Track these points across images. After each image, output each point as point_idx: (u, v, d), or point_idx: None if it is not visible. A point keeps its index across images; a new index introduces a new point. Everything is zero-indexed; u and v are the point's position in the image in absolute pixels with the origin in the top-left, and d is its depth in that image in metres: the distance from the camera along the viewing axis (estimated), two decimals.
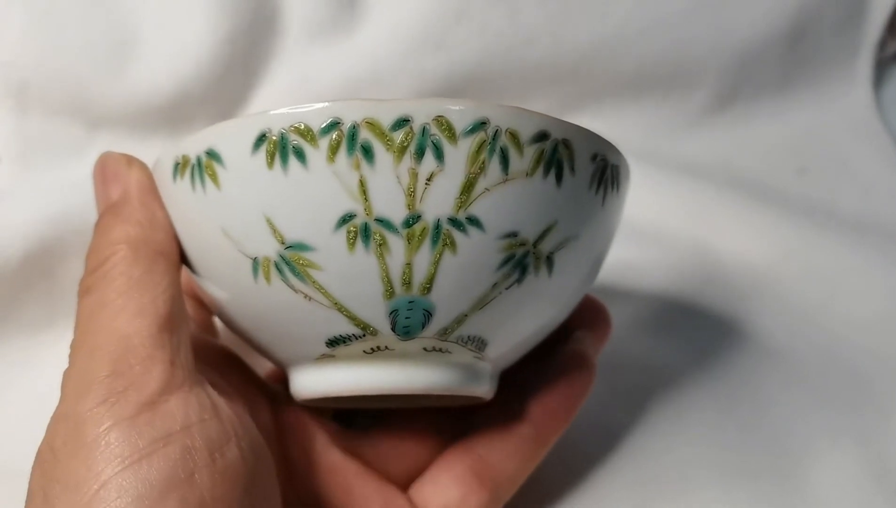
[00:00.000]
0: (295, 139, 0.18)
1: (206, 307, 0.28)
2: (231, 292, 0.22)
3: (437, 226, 0.19)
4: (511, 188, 0.19)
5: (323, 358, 0.22)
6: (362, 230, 0.19)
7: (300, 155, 0.18)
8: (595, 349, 0.27)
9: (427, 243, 0.19)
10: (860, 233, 0.39)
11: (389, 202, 0.19)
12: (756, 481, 0.30)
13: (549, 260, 0.21)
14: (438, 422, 0.27)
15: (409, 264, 0.19)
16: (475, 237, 0.19)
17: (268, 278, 0.20)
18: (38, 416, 0.20)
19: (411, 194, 0.19)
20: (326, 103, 0.18)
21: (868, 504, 0.29)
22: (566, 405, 0.26)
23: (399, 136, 0.18)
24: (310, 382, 0.22)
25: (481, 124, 0.18)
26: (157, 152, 0.23)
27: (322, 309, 0.20)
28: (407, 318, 0.20)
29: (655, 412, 0.32)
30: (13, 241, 0.32)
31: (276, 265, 0.20)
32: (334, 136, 0.18)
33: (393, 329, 0.20)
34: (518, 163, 0.19)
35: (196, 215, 0.21)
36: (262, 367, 0.29)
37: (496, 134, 0.19)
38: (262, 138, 0.19)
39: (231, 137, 0.19)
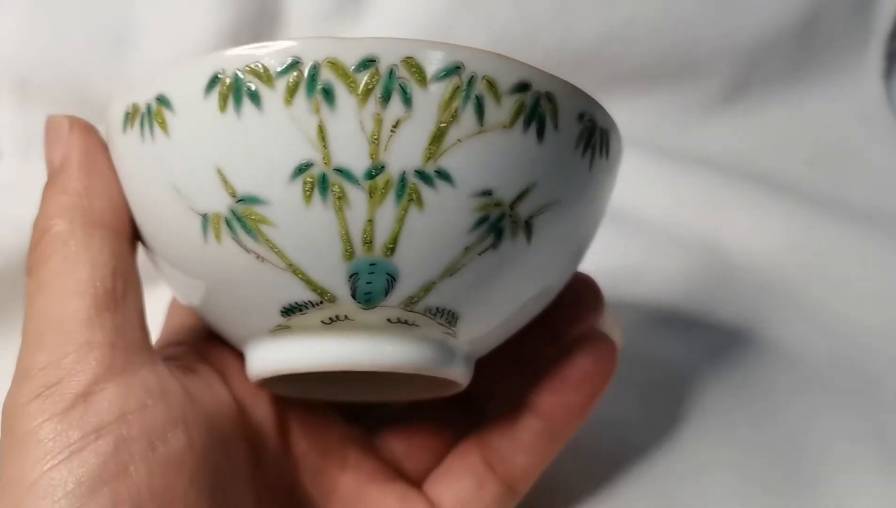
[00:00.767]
0: (250, 81, 0.17)
1: None
2: (181, 259, 0.20)
3: (403, 179, 0.17)
4: (486, 141, 0.17)
5: (279, 330, 0.20)
6: (320, 181, 0.17)
7: (255, 98, 0.17)
8: (618, 332, 0.26)
9: (391, 197, 0.17)
10: (871, 223, 0.39)
11: (351, 151, 0.17)
12: (771, 481, 0.29)
13: (528, 225, 0.19)
14: (450, 417, 0.26)
15: (370, 221, 0.17)
16: (445, 193, 0.17)
17: (218, 237, 0.18)
18: None
19: (375, 141, 0.17)
20: (286, 42, 0.17)
21: (882, 498, 0.29)
22: (582, 396, 0.24)
23: (364, 77, 0.16)
24: (263, 358, 0.20)
25: (455, 69, 0.17)
26: None
27: (276, 272, 0.18)
28: (368, 283, 0.18)
29: (668, 409, 0.32)
30: (15, 234, 0.32)
31: (227, 221, 0.18)
32: (293, 76, 0.16)
33: (353, 296, 0.18)
34: (495, 113, 0.17)
35: (144, 169, 0.19)
36: None
37: (471, 81, 0.17)
38: (214, 80, 0.17)
39: (181, 80, 0.17)
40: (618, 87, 0.42)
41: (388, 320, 0.19)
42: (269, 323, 0.20)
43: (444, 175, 0.17)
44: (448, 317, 0.20)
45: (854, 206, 0.40)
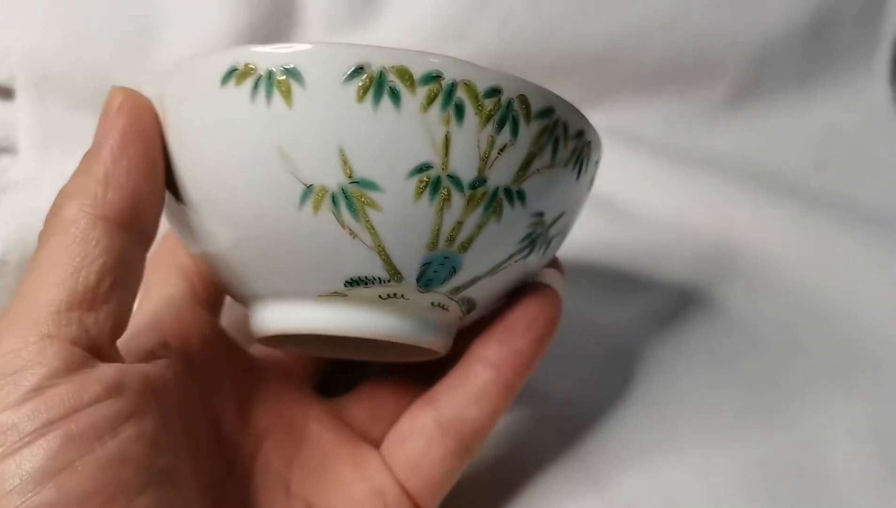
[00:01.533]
0: (393, 80, 0.19)
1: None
2: (252, 217, 0.20)
3: (496, 193, 0.20)
4: (553, 174, 0.21)
5: (332, 296, 0.22)
6: (434, 183, 0.19)
7: (395, 97, 0.19)
8: (560, 284, 0.26)
9: (482, 206, 0.20)
10: (879, 226, 0.39)
11: (465, 163, 0.19)
12: (775, 473, 0.30)
13: (549, 242, 0.23)
14: (413, 381, 0.27)
15: (460, 223, 0.20)
16: (518, 210, 0.21)
17: (316, 208, 0.20)
18: None
19: (485, 159, 0.20)
20: (431, 55, 0.19)
21: (886, 497, 0.29)
22: (528, 343, 0.24)
23: (489, 104, 0.19)
24: (306, 317, 0.22)
25: (550, 112, 0.20)
26: None
27: (362, 249, 0.20)
28: (435, 272, 0.21)
29: (670, 401, 0.32)
30: (34, 231, 0.31)
31: (333, 197, 0.19)
32: (433, 87, 0.19)
33: (418, 280, 0.21)
34: (562, 153, 0.21)
35: (243, 126, 0.19)
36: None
37: (556, 123, 0.20)
38: (358, 70, 0.19)
39: (322, 61, 0.19)
40: (630, 88, 0.42)
41: (432, 303, 0.22)
42: (326, 289, 0.21)
43: (521, 196, 0.21)
44: (469, 305, 0.23)
45: (862, 207, 0.40)
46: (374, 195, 0.19)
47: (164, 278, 0.26)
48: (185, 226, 0.23)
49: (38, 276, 0.19)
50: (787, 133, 0.44)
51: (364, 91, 0.19)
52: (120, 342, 0.20)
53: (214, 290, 0.28)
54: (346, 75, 0.19)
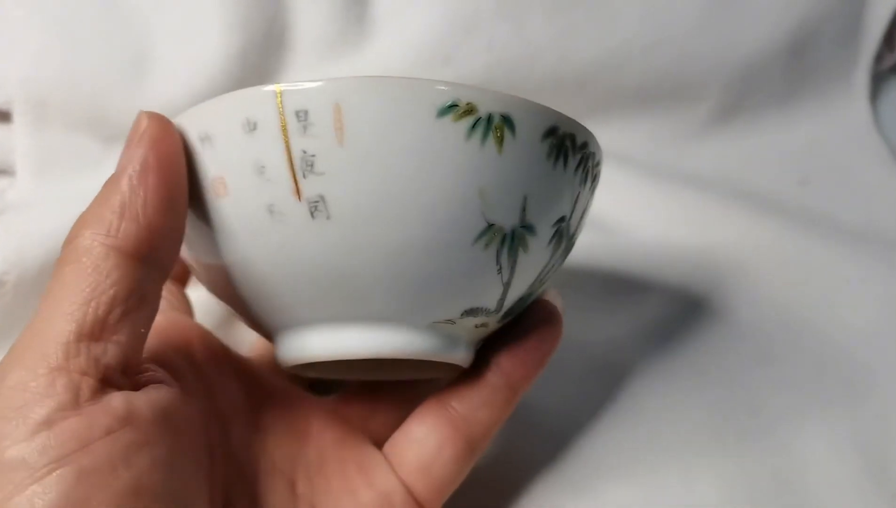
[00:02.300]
0: (568, 144, 0.21)
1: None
2: (417, 243, 0.21)
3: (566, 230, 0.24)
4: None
5: (446, 323, 0.23)
6: (562, 231, 0.23)
7: (566, 158, 0.21)
8: (560, 302, 0.28)
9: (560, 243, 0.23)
10: (860, 242, 0.39)
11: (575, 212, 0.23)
12: (753, 480, 0.30)
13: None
14: (406, 381, 0.28)
15: (553, 263, 0.24)
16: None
17: (487, 245, 0.21)
18: None
19: (575, 204, 0.23)
20: (581, 126, 0.21)
21: (865, 506, 0.30)
22: (536, 354, 0.26)
23: (592, 165, 0.23)
24: (366, 340, 0.22)
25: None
26: None
27: (497, 283, 0.22)
28: (518, 304, 0.24)
29: (655, 413, 0.32)
30: (31, 252, 0.32)
31: (504, 237, 0.21)
32: (584, 154, 0.22)
33: (506, 312, 0.24)
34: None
35: (452, 162, 0.20)
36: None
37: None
38: (553, 131, 0.21)
39: (531, 116, 0.20)
40: (614, 108, 0.43)
41: (476, 325, 0.24)
42: (442, 317, 0.22)
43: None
44: (505, 319, 0.25)
45: (844, 224, 0.41)
46: (529, 238, 0.21)
47: None
48: (220, 253, 0.22)
49: (48, 306, 0.19)
50: (769, 151, 0.44)
51: (553, 150, 0.21)
52: None
53: (187, 307, 0.29)
54: (543, 133, 0.20)
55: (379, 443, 0.27)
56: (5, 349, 0.19)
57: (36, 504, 0.16)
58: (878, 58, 0.47)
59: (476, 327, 0.24)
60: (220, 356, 0.26)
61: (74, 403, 0.18)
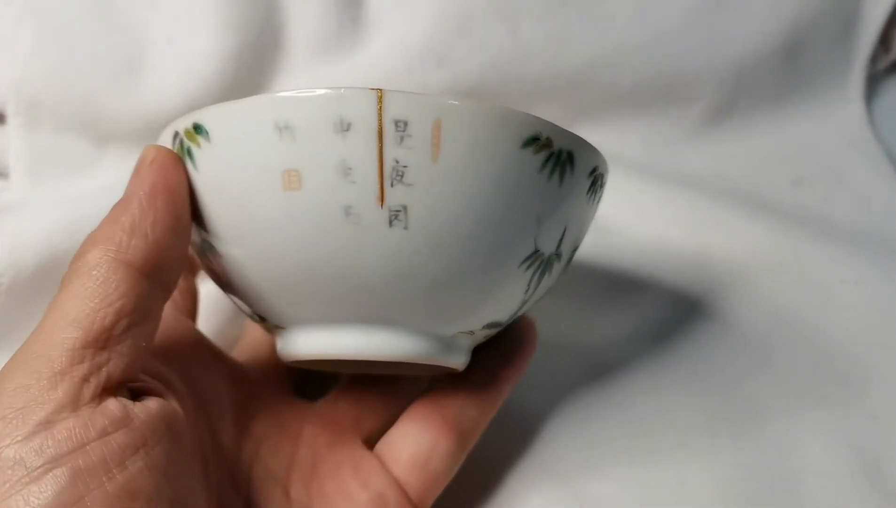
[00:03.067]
0: (595, 179, 0.23)
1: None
2: (469, 262, 0.22)
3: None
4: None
5: (469, 333, 0.25)
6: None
7: (594, 193, 0.24)
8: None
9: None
10: (853, 243, 0.39)
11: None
12: (748, 482, 0.30)
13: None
14: (392, 381, 0.29)
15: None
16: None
17: (527, 268, 0.23)
18: None
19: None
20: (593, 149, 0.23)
21: (859, 504, 0.30)
22: (518, 358, 0.28)
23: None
24: (368, 342, 0.23)
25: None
26: None
27: (521, 299, 0.24)
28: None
29: (650, 414, 0.32)
30: (25, 253, 0.32)
31: (541, 261, 0.23)
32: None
33: (510, 322, 0.26)
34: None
35: (526, 191, 0.21)
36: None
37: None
38: (594, 170, 0.23)
39: (585, 156, 0.22)
40: (608, 109, 0.43)
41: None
42: (466, 328, 0.24)
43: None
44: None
45: (837, 225, 0.41)
46: (555, 264, 0.24)
47: None
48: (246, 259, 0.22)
49: (56, 314, 0.19)
50: (762, 152, 0.44)
51: (592, 187, 0.23)
52: None
53: (191, 297, 0.29)
54: (589, 172, 0.22)
55: (369, 444, 0.28)
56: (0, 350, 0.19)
57: (31, 504, 0.17)
58: (873, 58, 0.47)
59: (484, 336, 0.25)
60: (210, 362, 0.26)
61: (73, 406, 0.18)
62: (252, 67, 0.39)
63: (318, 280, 0.21)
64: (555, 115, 0.42)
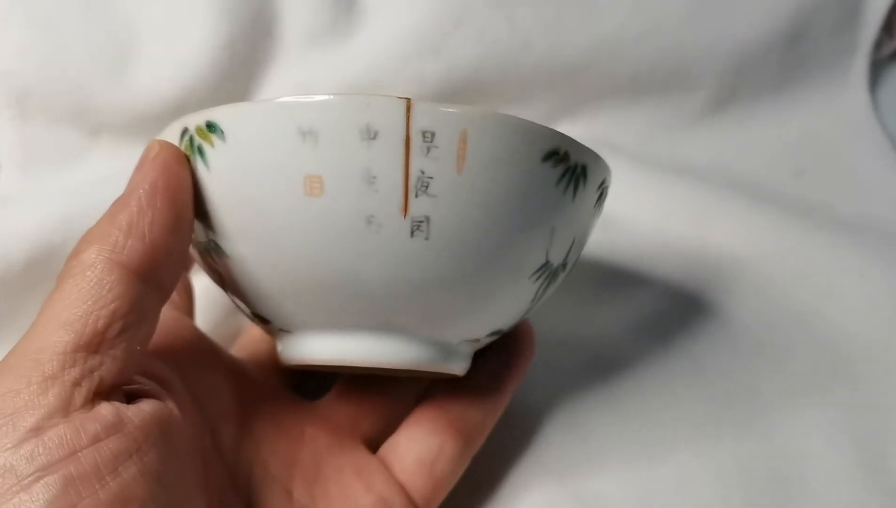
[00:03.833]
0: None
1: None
2: (483, 270, 0.22)
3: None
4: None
5: (475, 341, 0.25)
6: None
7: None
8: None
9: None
10: (857, 234, 0.39)
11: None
12: (750, 476, 0.30)
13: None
14: (391, 383, 0.29)
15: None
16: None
17: (537, 279, 0.23)
18: None
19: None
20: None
21: (863, 503, 0.29)
22: (521, 360, 0.29)
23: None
24: (371, 348, 0.23)
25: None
26: None
27: (528, 306, 0.25)
28: None
29: (650, 409, 0.32)
30: (16, 246, 0.32)
31: (549, 271, 0.23)
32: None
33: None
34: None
35: (543, 204, 0.21)
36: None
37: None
38: (602, 184, 0.23)
39: (596, 169, 0.22)
40: (607, 98, 0.42)
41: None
42: (470, 336, 0.24)
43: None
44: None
45: (840, 215, 0.40)
46: (560, 274, 0.24)
47: None
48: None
49: (47, 316, 0.19)
50: (764, 141, 0.43)
51: (598, 199, 0.23)
52: None
53: (187, 293, 0.28)
54: (598, 185, 0.23)
55: (369, 445, 0.27)
56: None
57: None
58: (877, 45, 0.46)
59: (486, 342, 0.25)
60: (210, 360, 0.26)
61: (64, 411, 0.18)
62: (246, 57, 0.38)
63: (332, 287, 0.21)
64: (553, 104, 0.41)
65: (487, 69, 0.40)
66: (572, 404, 0.32)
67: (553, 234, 0.22)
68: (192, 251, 0.24)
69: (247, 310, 0.24)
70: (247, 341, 0.31)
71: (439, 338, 0.23)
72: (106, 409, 0.18)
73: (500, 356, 0.28)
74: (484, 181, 0.20)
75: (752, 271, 0.37)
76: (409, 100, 0.19)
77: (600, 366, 0.34)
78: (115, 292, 0.19)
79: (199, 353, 0.25)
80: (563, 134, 0.21)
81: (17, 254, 0.32)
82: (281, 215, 0.20)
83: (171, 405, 0.21)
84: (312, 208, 0.20)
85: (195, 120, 0.21)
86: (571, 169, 0.21)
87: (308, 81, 0.39)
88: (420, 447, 0.26)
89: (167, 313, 0.26)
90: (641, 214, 0.39)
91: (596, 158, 0.22)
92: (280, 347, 0.25)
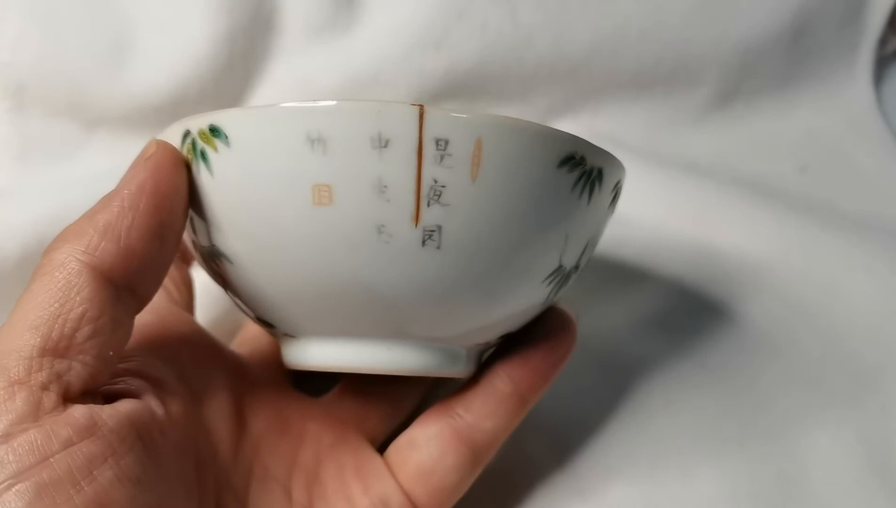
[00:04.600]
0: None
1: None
2: (497, 275, 0.22)
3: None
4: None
5: (488, 345, 0.25)
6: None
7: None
8: (573, 310, 0.27)
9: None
10: (861, 230, 0.39)
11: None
12: (756, 475, 0.30)
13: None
14: (396, 381, 0.28)
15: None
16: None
17: (550, 283, 0.23)
18: None
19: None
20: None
21: (869, 502, 0.29)
22: (548, 363, 0.26)
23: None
24: (380, 355, 0.23)
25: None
26: None
27: (539, 311, 0.25)
28: None
29: (655, 407, 0.32)
30: (12, 239, 0.32)
31: (561, 275, 0.23)
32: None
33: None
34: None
35: (558, 210, 0.21)
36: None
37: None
38: (616, 185, 0.23)
39: (612, 172, 0.22)
40: (611, 93, 0.42)
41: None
42: (483, 340, 0.24)
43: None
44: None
45: (844, 211, 0.40)
46: (573, 275, 0.23)
47: None
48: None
49: (15, 317, 0.18)
50: (768, 137, 0.43)
51: (612, 200, 0.23)
52: None
53: (186, 287, 0.28)
54: (613, 186, 0.22)
55: (374, 442, 0.27)
56: None
57: None
58: (882, 41, 0.46)
59: (495, 344, 0.25)
60: (209, 357, 0.25)
61: (33, 416, 0.17)
62: (245, 50, 0.38)
63: (340, 296, 0.21)
64: (555, 100, 0.41)
65: (489, 64, 0.39)
66: (574, 403, 0.32)
67: (567, 239, 0.22)
68: (195, 254, 0.24)
69: (250, 313, 0.24)
70: (248, 336, 0.30)
71: (448, 344, 0.23)
72: (79, 412, 0.18)
73: (525, 357, 0.26)
74: (498, 189, 0.19)
75: (755, 268, 0.37)
76: (422, 107, 0.19)
77: (603, 365, 0.33)
78: (83, 294, 0.18)
79: (197, 349, 0.25)
80: (579, 138, 0.20)
81: (11, 248, 0.32)
82: (288, 225, 0.20)
83: (153, 404, 0.20)
84: (321, 217, 0.19)
85: (198, 123, 0.20)
86: (587, 173, 0.21)
87: (308, 75, 0.38)
88: (420, 452, 0.25)
89: (165, 307, 0.25)
90: (644, 210, 0.39)
91: (612, 160, 0.22)
92: (284, 350, 0.24)
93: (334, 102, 0.19)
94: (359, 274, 0.20)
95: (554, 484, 0.30)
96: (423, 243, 0.20)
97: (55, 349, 0.18)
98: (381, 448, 0.27)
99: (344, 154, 0.19)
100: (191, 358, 0.24)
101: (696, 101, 0.43)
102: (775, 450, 0.31)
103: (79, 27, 0.36)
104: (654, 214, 0.39)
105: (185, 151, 0.21)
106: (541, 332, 0.26)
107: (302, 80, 0.38)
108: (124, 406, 0.19)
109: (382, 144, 0.19)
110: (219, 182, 0.20)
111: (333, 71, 0.38)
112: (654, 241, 0.38)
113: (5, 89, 0.34)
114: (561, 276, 0.23)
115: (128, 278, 0.19)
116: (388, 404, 0.28)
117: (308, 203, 0.19)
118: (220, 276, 0.23)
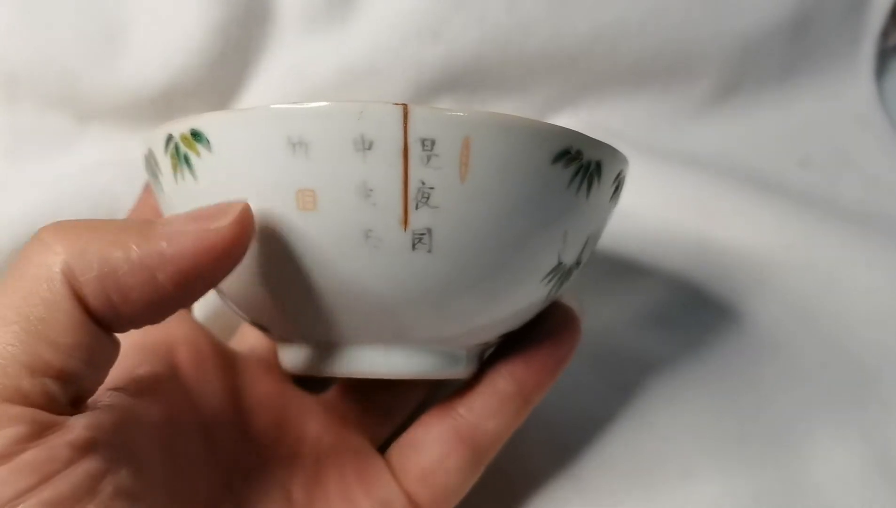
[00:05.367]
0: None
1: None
2: (494, 276, 0.21)
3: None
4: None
5: (487, 345, 0.25)
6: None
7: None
8: (577, 305, 0.27)
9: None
10: (863, 224, 0.39)
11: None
12: (757, 474, 0.30)
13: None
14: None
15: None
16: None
17: (549, 282, 0.22)
18: None
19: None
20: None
21: (872, 499, 0.29)
22: (551, 361, 0.25)
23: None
24: (390, 360, 0.22)
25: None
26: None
27: (538, 309, 0.24)
28: None
29: (655, 405, 0.32)
30: (3, 233, 0.32)
31: (561, 272, 0.22)
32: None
33: None
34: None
35: (555, 206, 0.20)
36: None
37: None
38: (617, 176, 0.22)
39: (611, 164, 0.21)
40: (610, 86, 0.42)
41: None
42: (480, 341, 0.24)
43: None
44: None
45: (845, 205, 0.40)
46: (574, 272, 0.23)
47: None
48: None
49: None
50: (769, 130, 0.43)
51: (614, 193, 0.22)
52: None
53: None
54: (614, 178, 0.22)
55: (376, 439, 0.27)
56: None
57: None
58: (884, 34, 0.46)
59: (496, 344, 0.25)
60: (207, 358, 0.25)
61: (30, 435, 0.17)
62: (240, 42, 0.37)
63: (332, 302, 0.21)
64: (554, 92, 0.41)
65: (487, 55, 0.39)
66: (574, 401, 0.32)
67: (566, 236, 0.21)
68: None
69: (245, 317, 0.24)
70: (246, 333, 0.30)
71: (447, 346, 0.23)
72: (76, 427, 0.17)
73: (528, 355, 0.25)
74: (489, 189, 0.19)
75: (755, 263, 0.37)
76: (405, 106, 0.18)
77: (603, 360, 0.33)
78: (62, 324, 0.17)
79: (194, 345, 0.24)
80: (574, 132, 0.20)
81: (3, 242, 0.32)
82: (273, 231, 0.19)
83: (149, 408, 0.20)
84: (306, 223, 0.19)
85: (179, 128, 0.20)
86: (584, 167, 0.20)
87: (304, 66, 0.38)
88: (421, 453, 0.25)
89: None
90: (644, 203, 0.39)
91: (611, 151, 0.21)
92: (280, 354, 0.24)
93: (314, 104, 0.18)
94: (349, 280, 0.20)
95: (553, 483, 0.29)
96: (414, 246, 0.19)
97: (45, 370, 0.17)
98: (382, 448, 0.27)
99: (326, 158, 0.18)
100: (188, 357, 0.24)
101: (697, 93, 0.43)
102: (777, 449, 0.30)
103: (71, 18, 0.35)
104: (654, 206, 0.39)
105: (168, 156, 0.20)
106: (543, 328, 0.25)
107: (297, 71, 0.38)
108: (119, 417, 0.19)
109: (366, 145, 0.18)
110: (202, 187, 0.20)
111: (329, 62, 0.38)
112: (653, 234, 0.38)
113: None
114: (561, 273, 0.22)
115: (120, 321, 0.18)
116: (389, 402, 0.28)
117: (293, 208, 0.19)
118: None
